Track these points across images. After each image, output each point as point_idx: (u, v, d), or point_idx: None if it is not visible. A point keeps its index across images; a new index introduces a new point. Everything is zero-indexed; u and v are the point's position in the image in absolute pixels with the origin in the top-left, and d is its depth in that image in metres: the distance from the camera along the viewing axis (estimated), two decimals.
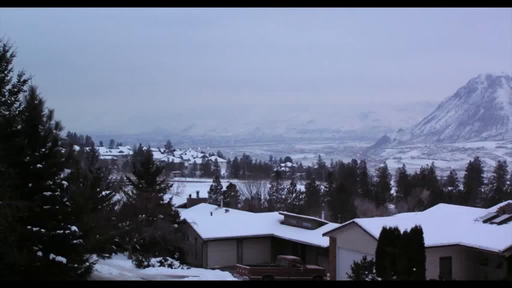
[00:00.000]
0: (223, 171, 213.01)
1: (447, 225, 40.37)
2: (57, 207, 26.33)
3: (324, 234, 44.36)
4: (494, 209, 41.99)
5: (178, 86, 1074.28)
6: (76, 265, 26.84)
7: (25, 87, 25.30)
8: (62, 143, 29.07)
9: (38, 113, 26.73)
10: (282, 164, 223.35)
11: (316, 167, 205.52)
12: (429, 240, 33.11)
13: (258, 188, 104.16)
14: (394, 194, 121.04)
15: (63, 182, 27.08)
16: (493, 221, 39.92)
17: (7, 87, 24.64)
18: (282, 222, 55.65)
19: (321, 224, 52.25)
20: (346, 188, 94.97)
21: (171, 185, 73.64)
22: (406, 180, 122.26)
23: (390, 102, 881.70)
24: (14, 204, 22.44)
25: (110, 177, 73.55)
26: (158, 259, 46.22)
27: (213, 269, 48.16)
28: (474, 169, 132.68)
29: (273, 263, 47.29)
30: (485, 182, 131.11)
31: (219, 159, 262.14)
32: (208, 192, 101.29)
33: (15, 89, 24.91)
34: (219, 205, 70.11)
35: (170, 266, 45.81)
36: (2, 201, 22.39)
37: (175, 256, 49.86)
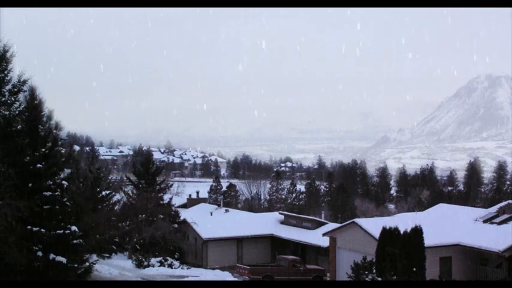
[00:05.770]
0: (223, 171, 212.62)
1: (447, 225, 40.37)
2: (57, 207, 26.37)
3: (324, 234, 44.35)
4: (494, 209, 41.96)
5: (178, 86, 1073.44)
6: (76, 265, 26.88)
7: (25, 87, 25.37)
8: (62, 143, 29.13)
9: (38, 113, 26.75)
10: (282, 164, 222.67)
11: (316, 167, 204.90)
12: (429, 240, 33.12)
13: (258, 188, 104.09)
14: (394, 194, 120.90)
15: (63, 182, 27.13)
16: (493, 221, 39.90)
17: (7, 87, 24.69)
18: (282, 222, 55.64)
19: (321, 224, 52.24)
20: (346, 188, 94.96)
21: (171, 185, 73.63)
22: (406, 180, 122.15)
23: (390, 102, 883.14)
24: (14, 204, 22.46)
25: (110, 177, 73.57)
26: (158, 259, 46.24)
27: (213, 269, 48.17)
28: (474, 169, 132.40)
29: (273, 263, 47.26)
30: (485, 182, 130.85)
31: (219, 159, 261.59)
32: (208, 192, 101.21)
33: (15, 89, 24.97)
34: (219, 205, 69.98)
35: (170, 266, 45.84)
36: (2, 201, 22.40)
37: (175, 256, 49.85)
